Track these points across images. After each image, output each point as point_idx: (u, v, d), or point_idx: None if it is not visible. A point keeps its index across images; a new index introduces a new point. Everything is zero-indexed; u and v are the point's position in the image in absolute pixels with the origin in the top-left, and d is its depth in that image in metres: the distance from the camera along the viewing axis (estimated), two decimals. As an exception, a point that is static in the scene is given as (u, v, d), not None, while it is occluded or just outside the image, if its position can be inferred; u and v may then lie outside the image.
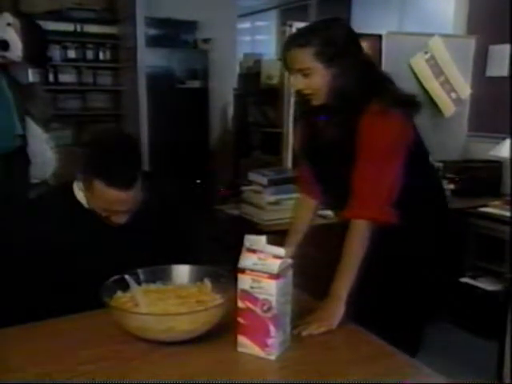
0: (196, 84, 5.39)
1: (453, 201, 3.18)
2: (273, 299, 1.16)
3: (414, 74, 3.51)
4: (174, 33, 5.26)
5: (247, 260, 1.18)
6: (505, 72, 3.44)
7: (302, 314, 1.32)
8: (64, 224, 1.51)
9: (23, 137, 2.43)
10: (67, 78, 4.99)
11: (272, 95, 3.96)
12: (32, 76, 2.73)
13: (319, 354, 1.23)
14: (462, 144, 3.79)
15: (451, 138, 3.72)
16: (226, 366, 1.16)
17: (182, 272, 1.42)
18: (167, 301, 1.31)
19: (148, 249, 1.50)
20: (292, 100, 3.06)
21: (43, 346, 1.24)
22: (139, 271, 1.38)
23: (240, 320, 1.20)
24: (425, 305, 1.69)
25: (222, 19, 5.37)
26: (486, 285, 3.04)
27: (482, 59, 3.64)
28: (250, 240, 1.20)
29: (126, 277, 1.34)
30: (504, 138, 3.14)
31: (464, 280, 3.13)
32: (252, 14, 7.51)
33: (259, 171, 2.83)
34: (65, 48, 4.89)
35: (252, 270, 1.17)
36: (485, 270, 3.15)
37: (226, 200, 3.31)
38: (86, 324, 1.34)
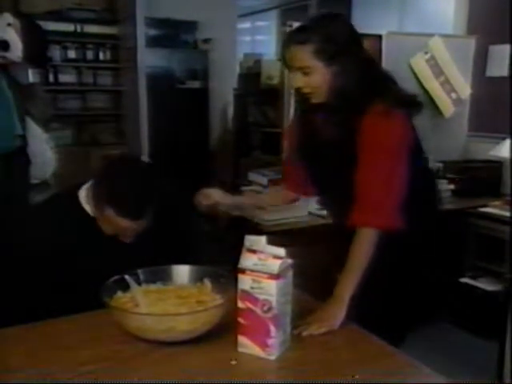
0: (196, 84, 5.39)
1: (453, 201, 3.19)
2: (273, 299, 1.16)
3: (414, 74, 3.51)
4: (174, 33, 5.27)
5: (247, 260, 1.18)
6: (505, 72, 3.44)
7: (302, 314, 1.32)
8: (67, 227, 1.50)
9: (23, 137, 2.43)
10: (67, 78, 5.00)
11: (272, 95, 3.95)
12: (32, 76, 2.73)
13: (319, 354, 1.22)
14: (462, 144, 3.79)
15: (451, 138, 3.72)
16: (226, 366, 1.16)
17: (182, 272, 1.42)
18: (167, 301, 1.31)
19: (148, 249, 1.50)
20: (292, 100, 3.05)
21: (43, 346, 1.24)
22: (139, 271, 1.38)
23: (240, 320, 1.20)
24: (425, 305, 1.69)
25: (222, 19, 5.37)
26: (486, 285, 3.04)
27: (482, 59, 3.64)
28: (250, 240, 1.20)
29: (126, 277, 1.34)
30: (504, 138, 3.14)
31: (464, 280, 3.13)
32: (252, 14, 7.51)
33: (259, 171, 2.84)
34: (65, 48, 4.90)
35: (252, 271, 1.17)
36: (485, 270, 3.15)
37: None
38: (86, 324, 1.34)
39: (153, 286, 1.39)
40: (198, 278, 1.40)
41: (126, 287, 1.34)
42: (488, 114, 3.63)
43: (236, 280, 1.20)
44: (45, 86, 4.27)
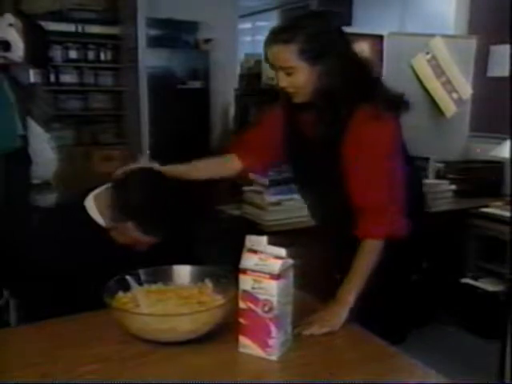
0: (197, 84, 5.39)
1: (454, 201, 3.19)
2: (274, 300, 1.15)
3: (416, 74, 3.52)
4: (175, 33, 5.26)
5: (248, 260, 1.18)
6: (506, 72, 3.43)
7: (303, 314, 1.32)
8: (75, 243, 1.48)
9: (24, 137, 2.44)
10: (68, 78, 5.01)
11: (273, 95, 3.96)
12: (33, 76, 2.74)
13: (320, 354, 1.22)
14: (463, 144, 3.79)
15: (452, 139, 3.72)
16: (227, 366, 1.16)
17: (183, 272, 1.42)
18: (168, 301, 1.31)
19: (149, 249, 1.50)
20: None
21: (44, 346, 1.24)
22: (140, 272, 1.38)
23: (241, 320, 1.20)
24: (425, 305, 1.69)
25: (223, 20, 5.37)
26: (487, 285, 3.04)
27: (483, 60, 3.64)
28: (252, 240, 1.20)
29: (127, 277, 1.34)
30: (505, 139, 3.14)
31: (465, 280, 3.13)
32: (253, 14, 7.50)
33: (260, 171, 2.83)
34: (66, 48, 4.90)
35: (253, 271, 1.17)
36: (486, 271, 3.15)
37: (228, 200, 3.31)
38: (87, 324, 1.34)
39: (154, 287, 1.38)
40: (198, 279, 1.39)
41: (126, 287, 1.33)
42: (489, 114, 3.63)
43: (237, 280, 1.20)
44: (46, 87, 4.27)
